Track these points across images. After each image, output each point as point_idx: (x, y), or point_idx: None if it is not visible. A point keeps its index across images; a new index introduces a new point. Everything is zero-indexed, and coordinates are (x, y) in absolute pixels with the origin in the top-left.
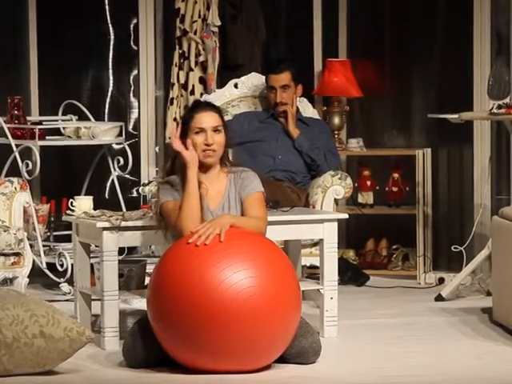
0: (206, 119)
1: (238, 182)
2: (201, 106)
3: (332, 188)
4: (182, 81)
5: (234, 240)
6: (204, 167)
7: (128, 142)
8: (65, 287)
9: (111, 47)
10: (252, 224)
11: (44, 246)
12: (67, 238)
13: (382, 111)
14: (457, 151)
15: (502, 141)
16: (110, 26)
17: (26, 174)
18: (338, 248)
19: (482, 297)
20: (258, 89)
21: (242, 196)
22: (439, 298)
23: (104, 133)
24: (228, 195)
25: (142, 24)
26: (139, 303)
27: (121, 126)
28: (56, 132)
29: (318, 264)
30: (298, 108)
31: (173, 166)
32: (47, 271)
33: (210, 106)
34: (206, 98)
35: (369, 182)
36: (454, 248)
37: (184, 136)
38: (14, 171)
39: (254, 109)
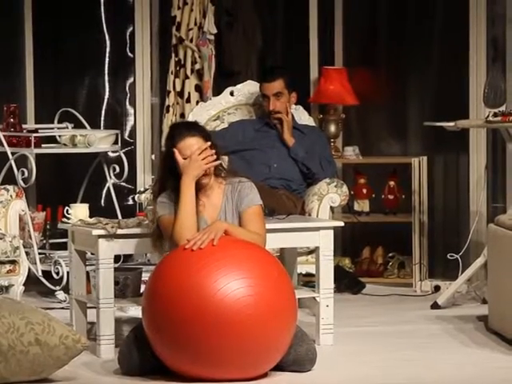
0: (189, 146)
1: (235, 195)
2: (178, 133)
3: (328, 196)
4: (178, 88)
5: (230, 249)
6: (198, 185)
7: (124, 150)
8: (60, 295)
9: (107, 55)
10: (251, 238)
11: (40, 253)
12: (63, 246)
13: (378, 119)
14: (453, 159)
15: (497, 149)
16: (106, 33)
17: (21, 182)
18: (334, 256)
19: (478, 305)
20: (254, 96)
21: (239, 209)
22: (435, 306)
23: (100, 141)
24: (224, 208)
25: (138, 32)
26: (135, 311)
27: (116, 134)
28: (52, 140)
29: (313, 272)
30: (293, 116)
31: (161, 186)
32: (43, 279)
33: (188, 130)
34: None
35: (365, 190)
36: (450, 256)
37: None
38: (10, 179)
39: (249, 116)
